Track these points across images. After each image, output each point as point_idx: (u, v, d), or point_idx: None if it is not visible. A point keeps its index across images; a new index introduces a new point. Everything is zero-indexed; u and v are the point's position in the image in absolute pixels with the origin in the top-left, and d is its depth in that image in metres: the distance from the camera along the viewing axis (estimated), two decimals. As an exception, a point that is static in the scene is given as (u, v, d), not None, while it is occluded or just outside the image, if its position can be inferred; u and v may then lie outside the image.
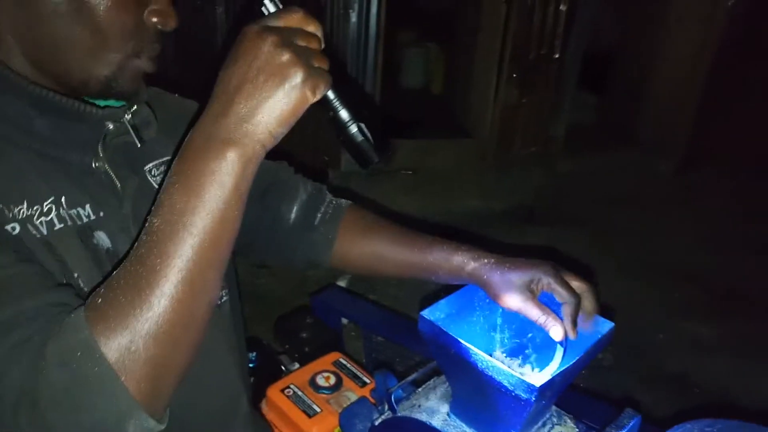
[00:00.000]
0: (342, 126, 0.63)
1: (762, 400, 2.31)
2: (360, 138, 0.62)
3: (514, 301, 0.79)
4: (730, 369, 2.51)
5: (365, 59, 3.57)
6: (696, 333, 2.76)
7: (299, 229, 0.97)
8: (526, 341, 0.91)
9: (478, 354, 0.75)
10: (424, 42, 5.56)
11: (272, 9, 0.60)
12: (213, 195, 0.56)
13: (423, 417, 0.90)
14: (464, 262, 0.84)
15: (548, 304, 0.79)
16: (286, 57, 0.55)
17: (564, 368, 0.75)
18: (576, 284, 0.80)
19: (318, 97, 0.58)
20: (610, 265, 3.21)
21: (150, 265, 0.54)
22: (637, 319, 2.79)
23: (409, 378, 0.98)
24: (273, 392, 1.31)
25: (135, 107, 0.74)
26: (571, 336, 0.76)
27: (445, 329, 0.79)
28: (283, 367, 1.48)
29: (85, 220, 0.68)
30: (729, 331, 2.74)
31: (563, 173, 4.15)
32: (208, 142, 0.56)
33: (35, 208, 0.63)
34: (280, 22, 0.58)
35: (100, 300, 0.55)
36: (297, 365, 1.50)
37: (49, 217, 0.64)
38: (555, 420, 0.88)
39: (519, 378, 0.71)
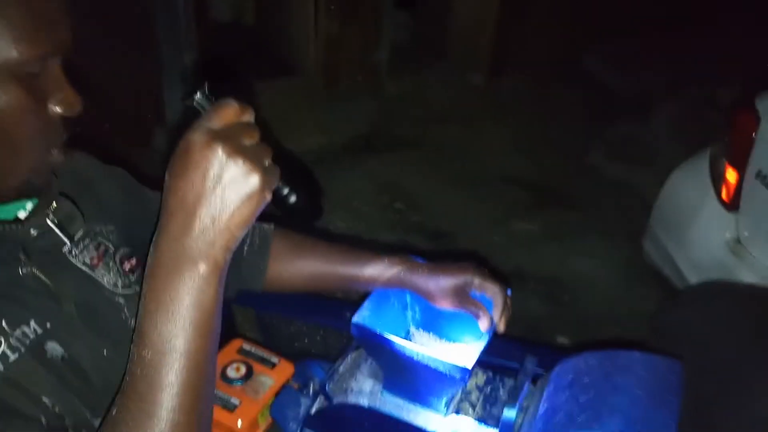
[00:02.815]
0: (281, 198, 0.64)
1: (583, 279, 2.81)
2: (298, 205, 0.65)
3: (451, 303, 0.92)
4: (555, 257, 2.98)
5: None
6: (524, 230, 3.20)
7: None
8: (435, 314, 1.02)
9: (415, 349, 0.85)
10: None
11: (205, 104, 0.59)
12: (197, 314, 0.56)
13: (359, 400, 0.99)
14: (400, 272, 0.93)
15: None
16: (241, 165, 0.55)
17: (487, 342, 0.88)
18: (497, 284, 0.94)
19: (272, 191, 0.59)
20: (443, 180, 3.53)
21: (152, 399, 0.55)
22: (472, 227, 3.16)
23: (336, 364, 1.06)
24: (185, 396, 1.31)
25: (55, 205, 0.69)
26: (501, 329, 0.90)
27: (378, 332, 0.87)
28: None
29: (32, 337, 0.63)
30: (550, 224, 3.22)
31: (390, 97, 4.31)
32: (178, 263, 0.56)
33: None
34: (220, 122, 0.56)
35: None
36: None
37: (1, 350, 0.59)
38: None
39: (452, 364, 0.83)
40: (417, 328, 1.01)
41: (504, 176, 3.59)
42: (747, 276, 1.90)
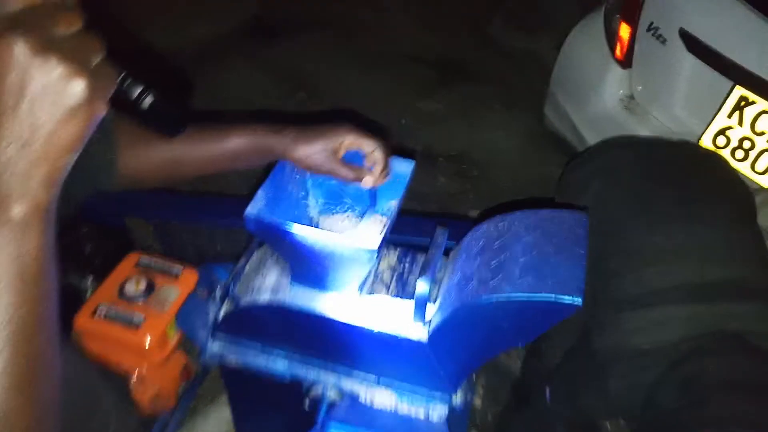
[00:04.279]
0: (131, 103, 0.51)
1: (490, 152, 2.84)
2: (158, 109, 0.52)
3: (323, 167, 0.84)
4: (462, 133, 2.98)
5: None
6: (430, 109, 3.14)
7: None
8: (339, 196, 0.96)
9: (317, 237, 0.78)
10: None
11: None
12: (18, 271, 0.44)
13: (267, 297, 0.94)
14: (266, 141, 0.84)
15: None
16: (55, 67, 0.41)
17: (392, 219, 0.83)
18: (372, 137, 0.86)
19: (107, 100, 0.46)
20: (347, 63, 3.36)
21: None
22: (380, 109, 3.06)
23: (240, 264, 0.99)
24: (82, 321, 1.21)
25: None
26: (381, 181, 0.84)
27: (275, 223, 0.79)
28: (87, 292, 1.34)
29: None
30: (455, 100, 3.18)
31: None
32: None
33: None
34: (18, 2, 0.41)
35: None
36: (90, 280, 1.37)
37: None
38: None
39: (358, 248, 0.78)
40: (320, 212, 0.95)
41: (409, 55, 3.47)
42: (642, 131, 1.96)
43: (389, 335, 0.86)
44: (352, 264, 0.82)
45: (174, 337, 1.25)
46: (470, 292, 0.80)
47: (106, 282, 1.26)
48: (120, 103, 0.52)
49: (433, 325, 0.85)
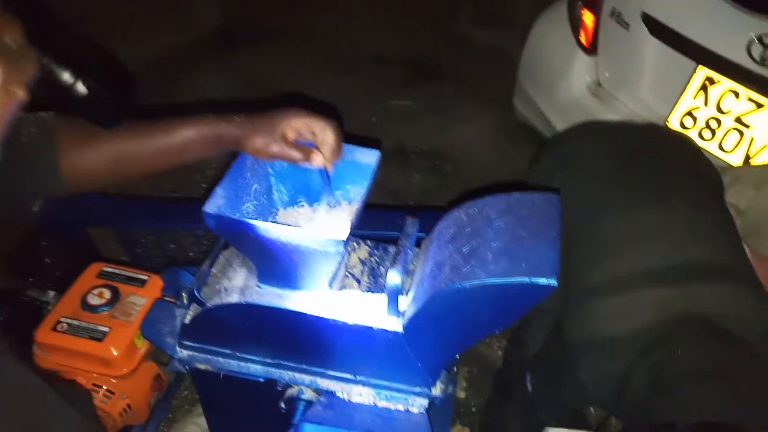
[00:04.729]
0: (63, 89, 0.47)
1: (463, 147, 2.83)
2: (92, 96, 0.48)
3: (271, 150, 0.82)
4: (434, 129, 2.96)
5: None
6: (401, 107, 3.13)
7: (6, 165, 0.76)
8: (303, 189, 0.93)
9: (281, 230, 0.75)
10: None
11: None
12: None
13: (235, 298, 0.90)
14: (214, 131, 0.81)
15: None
16: None
17: (359, 208, 0.80)
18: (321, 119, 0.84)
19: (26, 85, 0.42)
20: (316, 68, 3.32)
21: None
22: (351, 109, 3.03)
23: (204, 266, 0.95)
24: (43, 335, 1.16)
25: None
26: (335, 158, 0.82)
27: (236, 218, 0.76)
28: (49, 306, 1.28)
29: None
30: (425, 98, 3.16)
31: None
32: None
33: None
34: None
35: None
36: (52, 295, 1.31)
37: None
38: (349, 247, 0.96)
39: (326, 239, 0.75)
40: (284, 206, 0.91)
41: (376, 56, 3.45)
42: (610, 116, 1.97)
43: (363, 327, 0.83)
44: (320, 258, 0.79)
45: (143, 347, 1.21)
46: (443, 279, 0.77)
47: (67, 294, 1.21)
48: (55, 92, 0.48)
49: (408, 315, 0.83)
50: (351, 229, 0.77)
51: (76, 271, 1.25)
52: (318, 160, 0.83)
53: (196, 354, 0.98)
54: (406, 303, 0.86)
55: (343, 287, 0.89)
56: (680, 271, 1.08)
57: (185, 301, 0.96)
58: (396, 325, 0.84)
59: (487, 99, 3.07)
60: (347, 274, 0.91)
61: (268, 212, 0.90)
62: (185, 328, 0.94)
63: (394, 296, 0.82)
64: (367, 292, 0.88)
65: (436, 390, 0.93)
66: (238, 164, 0.86)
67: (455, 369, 1.07)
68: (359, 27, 3.72)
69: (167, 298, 1.02)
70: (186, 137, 0.80)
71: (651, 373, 1.02)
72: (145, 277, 1.26)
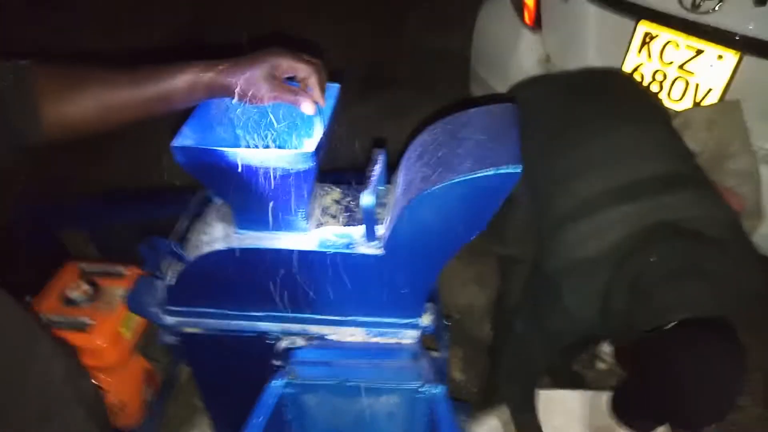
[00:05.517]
0: None
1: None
2: None
3: (265, 94, 0.80)
4: (395, 133, 3.01)
5: None
6: (361, 115, 3.18)
7: None
8: (268, 126, 0.93)
9: (251, 153, 0.77)
10: None
11: None
12: None
13: (216, 247, 0.90)
14: (199, 76, 0.79)
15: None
16: None
17: (325, 132, 0.83)
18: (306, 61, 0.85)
19: None
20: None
21: None
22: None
23: (180, 223, 0.95)
24: (25, 335, 1.13)
25: None
26: (321, 103, 0.83)
27: (205, 147, 0.77)
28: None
29: None
30: (382, 104, 3.23)
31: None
32: None
33: None
34: None
35: None
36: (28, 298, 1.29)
37: None
38: (322, 192, 0.98)
39: (295, 153, 0.77)
40: (250, 139, 0.92)
41: (331, 66, 3.51)
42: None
43: (344, 255, 0.85)
44: (293, 184, 0.80)
45: (130, 337, 1.19)
46: (414, 191, 0.80)
47: (44, 293, 1.20)
48: None
49: (386, 236, 0.85)
50: (319, 148, 0.79)
51: (49, 274, 1.24)
52: (309, 108, 0.81)
53: (183, 319, 0.97)
54: (383, 229, 0.88)
55: (320, 224, 0.90)
56: (640, 185, 1.12)
57: (166, 272, 0.96)
58: (376, 249, 0.86)
59: (447, 98, 3.15)
60: (323, 213, 0.93)
61: (235, 143, 0.90)
62: (170, 290, 0.94)
63: (370, 219, 0.84)
64: (345, 226, 0.90)
65: (425, 320, 0.95)
66: (202, 106, 0.87)
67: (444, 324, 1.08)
68: (311, 38, 3.80)
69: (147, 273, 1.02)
70: (173, 86, 0.79)
71: (629, 285, 1.04)
72: (123, 270, 1.25)
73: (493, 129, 0.82)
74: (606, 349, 1.68)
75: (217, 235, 0.92)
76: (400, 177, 0.90)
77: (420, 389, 0.94)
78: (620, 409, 1.14)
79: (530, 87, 1.50)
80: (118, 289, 1.21)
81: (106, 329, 1.13)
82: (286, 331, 0.95)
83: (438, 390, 0.94)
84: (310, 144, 0.79)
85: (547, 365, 1.42)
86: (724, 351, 0.98)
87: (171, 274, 0.95)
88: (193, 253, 0.92)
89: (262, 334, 0.96)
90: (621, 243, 1.07)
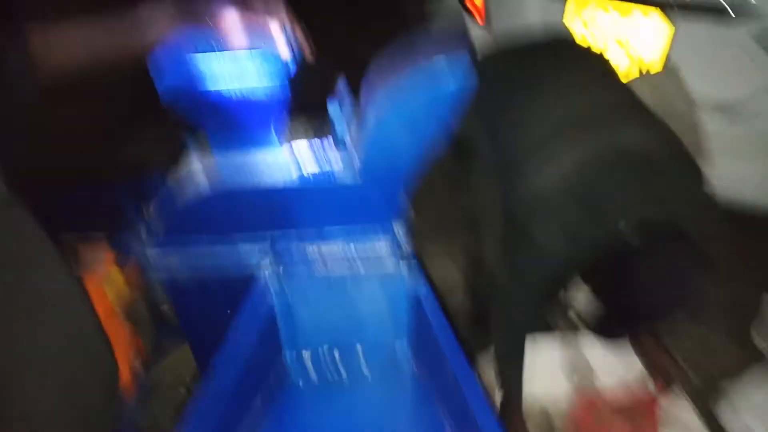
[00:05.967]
0: None
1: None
2: None
3: (235, 18, 0.84)
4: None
5: None
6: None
7: None
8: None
9: (224, 55, 0.84)
10: None
11: None
12: None
13: (196, 178, 0.96)
14: (179, 9, 0.84)
15: None
16: None
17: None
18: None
19: None
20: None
21: None
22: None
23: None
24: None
25: None
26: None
27: (185, 56, 0.84)
28: None
29: None
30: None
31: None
32: None
33: None
34: None
35: None
36: None
37: None
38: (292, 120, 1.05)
39: (267, 53, 0.84)
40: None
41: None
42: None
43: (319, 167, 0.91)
44: (266, 94, 0.87)
45: (113, 297, 1.20)
46: (379, 99, 0.88)
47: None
48: None
49: (360, 143, 0.92)
50: (291, 54, 0.86)
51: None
52: (285, 52, 0.84)
53: (170, 253, 1.01)
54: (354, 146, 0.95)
55: (291, 139, 0.97)
56: (589, 114, 1.20)
57: (149, 209, 1.01)
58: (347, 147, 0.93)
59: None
60: (294, 130, 0.99)
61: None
62: (157, 223, 0.99)
63: (338, 122, 0.91)
64: (315, 138, 0.97)
65: (401, 228, 1.01)
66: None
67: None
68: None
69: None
70: (150, 15, 0.84)
71: (590, 211, 1.11)
72: (99, 234, 1.27)
73: (444, 44, 0.91)
74: (577, 296, 1.70)
75: (196, 169, 0.98)
76: (365, 99, 0.97)
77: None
78: (599, 326, 1.19)
79: (484, 59, 1.60)
80: (97, 252, 1.23)
81: (89, 284, 1.15)
82: (268, 252, 1.00)
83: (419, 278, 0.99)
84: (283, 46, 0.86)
85: (534, 313, 1.43)
86: (680, 251, 1.05)
87: (154, 208, 0.99)
88: (174, 187, 0.97)
89: (248, 269, 1.00)
90: (576, 170, 1.13)
